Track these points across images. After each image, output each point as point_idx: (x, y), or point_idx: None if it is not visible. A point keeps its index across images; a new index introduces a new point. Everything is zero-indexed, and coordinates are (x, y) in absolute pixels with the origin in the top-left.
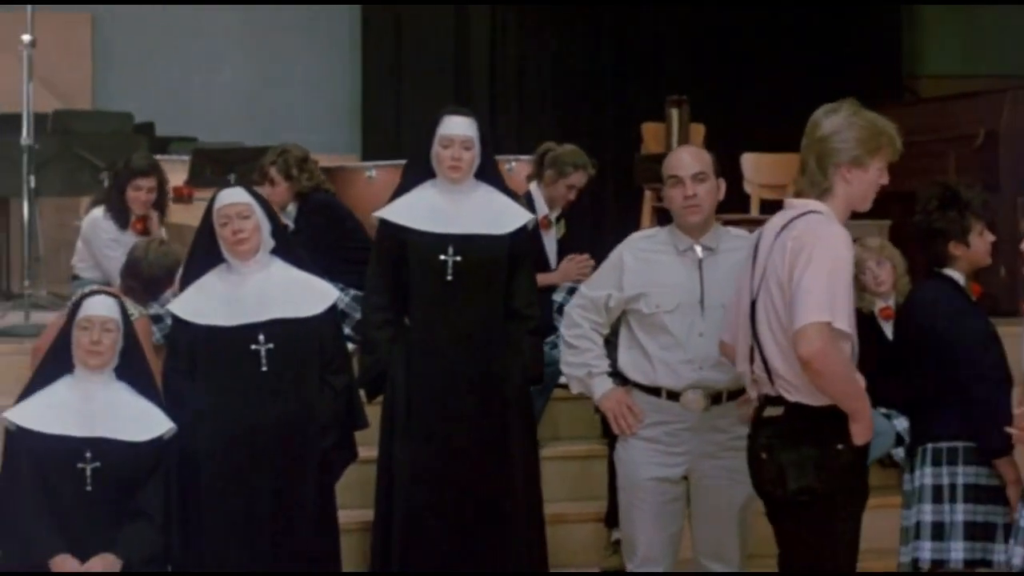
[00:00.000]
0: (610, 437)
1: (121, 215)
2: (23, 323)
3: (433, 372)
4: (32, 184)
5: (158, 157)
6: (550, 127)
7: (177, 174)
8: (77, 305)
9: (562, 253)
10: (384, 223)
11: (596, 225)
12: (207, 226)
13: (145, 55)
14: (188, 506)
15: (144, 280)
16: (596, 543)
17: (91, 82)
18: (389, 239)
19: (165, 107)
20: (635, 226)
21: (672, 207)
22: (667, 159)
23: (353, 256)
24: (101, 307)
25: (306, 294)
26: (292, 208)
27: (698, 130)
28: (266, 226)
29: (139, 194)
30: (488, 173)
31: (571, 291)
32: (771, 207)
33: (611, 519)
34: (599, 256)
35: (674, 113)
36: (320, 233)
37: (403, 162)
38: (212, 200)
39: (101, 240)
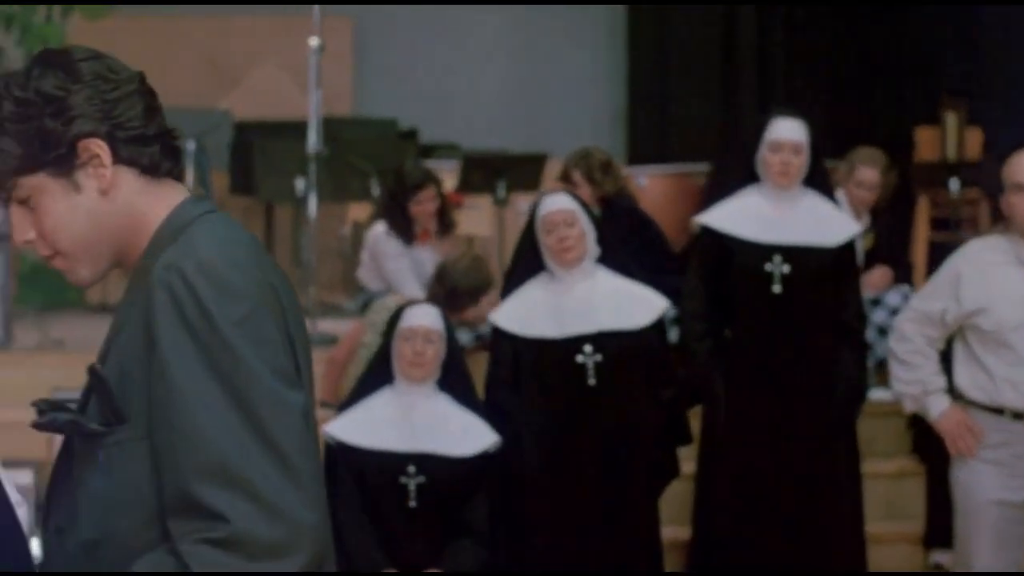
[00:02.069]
0: (923, 454)
1: (405, 230)
2: (312, 332)
3: (756, 386)
4: (301, 190)
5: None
6: (819, 130)
7: (443, 181)
8: (397, 316)
9: (869, 266)
10: (706, 230)
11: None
12: (529, 234)
13: (405, 60)
14: (513, 521)
15: (451, 292)
16: (910, 565)
17: (351, 88)
18: (711, 246)
19: (425, 112)
20: (908, 236)
21: (1016, 216)
22: (1009, 164)
23: (654, 265)
24: (424, 317)
25: (633, 304)
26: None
27: (975, 134)
28: (591, 233)
29: (422, 207)
30: (816, 180)
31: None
32: None
33: (931, 540)
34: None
35: (950, 116)
36: (623, 240)
37: (676, 169)
38: (535, 207)
39: (388, 257)
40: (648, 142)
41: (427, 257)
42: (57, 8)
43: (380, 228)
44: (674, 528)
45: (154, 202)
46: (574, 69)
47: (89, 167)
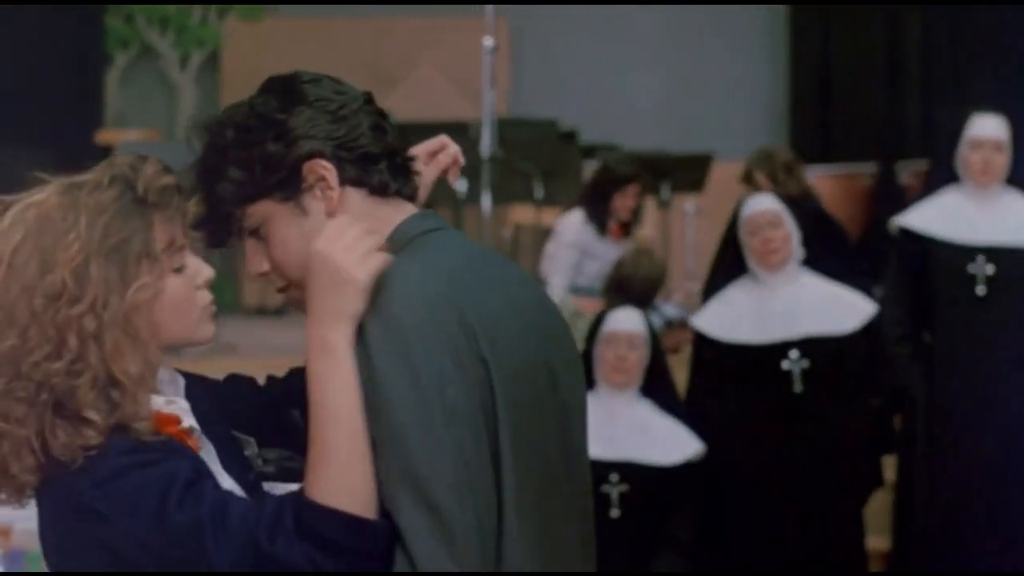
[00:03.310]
0: None
1: (602, 221)
2: None
3: (959, 394)
4: (461, 192)
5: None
6: None
7: None
8: (599, 320)
9: None
10: (905, 231)
11: None
12: (731, 235)
13: (561, 59)
14: (717, 532)
15: (628, 291)
16: None
17: (507, 88)
18: (911, 248)
19: (582, 112)
20: None
21: None
22: None
23: (842, 267)
24: (627, 321)
25: (841, 308)
26: None
27: None
28: (797, 235)
29: (626, 200)
30: (1018, 178)
31: None
32: None
33: None
34: None
35: None
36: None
37: (841, 169)
38: (737, 208)
39: (564, 241)
40: (811, 142)
41: (615, 255)
42: (213, 9)
43: (576, 217)
44: (875, 537)
45: (382, 224)
46: (734, 68)
47: (316, 189)
